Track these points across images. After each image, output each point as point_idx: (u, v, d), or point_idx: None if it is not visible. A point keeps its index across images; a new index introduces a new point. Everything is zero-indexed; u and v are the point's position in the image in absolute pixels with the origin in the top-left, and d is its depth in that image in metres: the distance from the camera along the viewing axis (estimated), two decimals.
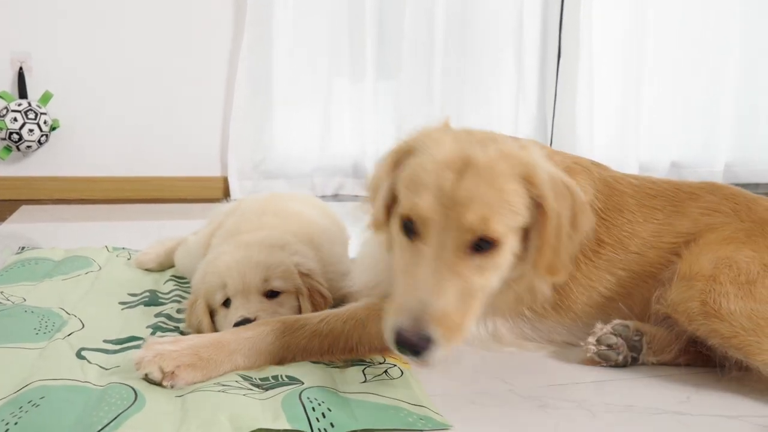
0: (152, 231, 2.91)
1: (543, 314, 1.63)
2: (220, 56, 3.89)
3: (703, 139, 4.76)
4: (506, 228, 1.29)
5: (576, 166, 1.65)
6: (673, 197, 1.70)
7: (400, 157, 1.39)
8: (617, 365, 1.55)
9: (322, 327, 1.47)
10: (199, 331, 1.59)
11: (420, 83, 4.20)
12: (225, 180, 3.94)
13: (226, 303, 1.59)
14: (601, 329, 1.56)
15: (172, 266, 2.22)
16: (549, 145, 4.44)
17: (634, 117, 4.50)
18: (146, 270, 2.20)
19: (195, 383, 1.31)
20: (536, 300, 1.56)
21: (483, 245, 1.28)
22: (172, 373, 1.30)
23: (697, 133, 4.75)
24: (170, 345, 1.35)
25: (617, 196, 1.67)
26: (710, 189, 1.71)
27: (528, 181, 1.32)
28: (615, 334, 1.55)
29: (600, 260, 1.62)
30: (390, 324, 1.24)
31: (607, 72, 4.47)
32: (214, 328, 1.60)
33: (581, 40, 4.30)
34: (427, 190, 1.28)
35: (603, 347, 1.55)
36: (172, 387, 1.29)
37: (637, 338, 1.55)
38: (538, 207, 1.34)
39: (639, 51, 4.49)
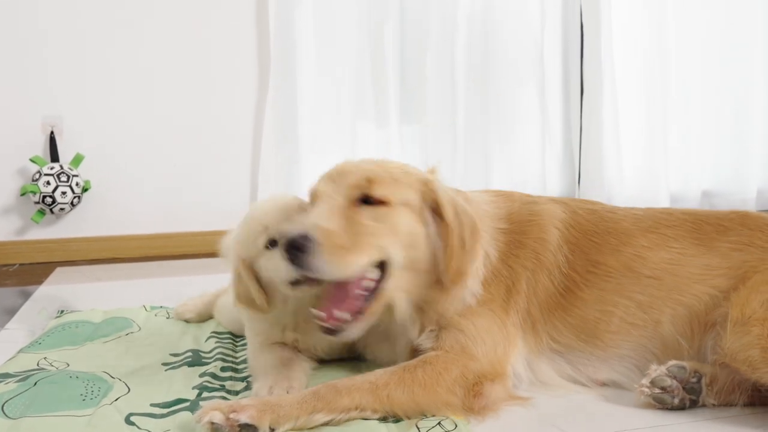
0: (185, 287, 2.90)
1: (568, 344, 1.60)
2: (245, 110, 3.94)
3: (734, 166, 4.70)
4: (393, 195, 1.46)
5: (550, 201, 1.75)
6: (695, 229, 1.66)
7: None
8: (674, 408, 1.50)
9: (369, 376, 1.46)
10: (249, 303, 1.61)
11: (444, 126, 4.21)
12: None
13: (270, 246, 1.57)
14: (656, 370, 1.51)
15: (210, 317, 2.25)
16: (577, 180, 4.43)
17: (662, 148, 4.45)
18: (185, 320, 2.24)
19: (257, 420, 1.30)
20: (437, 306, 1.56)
21: (371, 201, 1.45)
22: (233, 411, 1.30)
23: (727, 161, 4.69)
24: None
25: (609, 222, 1.69)
26: (740, 220, 1.67)
27: (426, 188, 1.52)
28: (670, 376, 1.50)
29: (606, 284, 1.60)
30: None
31: (631, 104, 4.45)
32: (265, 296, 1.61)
33: (603, 73, 4.30)
34: (322, 177, 1.53)
35: (657, 390, 1.50)
36: (237, 423, 1.28)
37: (695, 380, 1.49)
38: (436, 215, 1.51)
39: (663, 81, 4.47)
